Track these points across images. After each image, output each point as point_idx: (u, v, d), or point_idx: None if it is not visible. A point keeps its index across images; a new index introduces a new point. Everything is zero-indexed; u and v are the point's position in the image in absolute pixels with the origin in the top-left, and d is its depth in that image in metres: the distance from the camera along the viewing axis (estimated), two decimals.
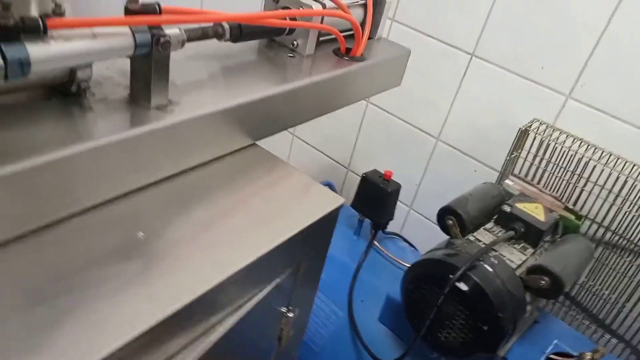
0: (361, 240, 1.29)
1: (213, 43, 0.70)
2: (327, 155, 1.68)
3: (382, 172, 1.25)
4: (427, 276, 0.90)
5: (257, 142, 0.75)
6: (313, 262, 0.72)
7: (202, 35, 0.66)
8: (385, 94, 1.37)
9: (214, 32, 0.69)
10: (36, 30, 0.45)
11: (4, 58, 0.43)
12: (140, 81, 0.59)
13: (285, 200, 0.66)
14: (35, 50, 0.45)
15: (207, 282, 0.51)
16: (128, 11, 0.51)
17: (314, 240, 0.67)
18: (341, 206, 0.68)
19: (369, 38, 0.98)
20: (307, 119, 0.83)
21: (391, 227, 1.38)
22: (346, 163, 1.65)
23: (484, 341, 0.87)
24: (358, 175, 1.62)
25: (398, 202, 1.45)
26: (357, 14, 0.92)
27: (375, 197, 1.23)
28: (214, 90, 0.68)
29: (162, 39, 0.55)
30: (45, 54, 0.46)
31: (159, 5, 0.54)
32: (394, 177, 1.26)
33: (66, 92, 0.57)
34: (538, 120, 1.17)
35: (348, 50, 0.90)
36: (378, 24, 0.98)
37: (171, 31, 0.58)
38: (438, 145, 1.41)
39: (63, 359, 0.40)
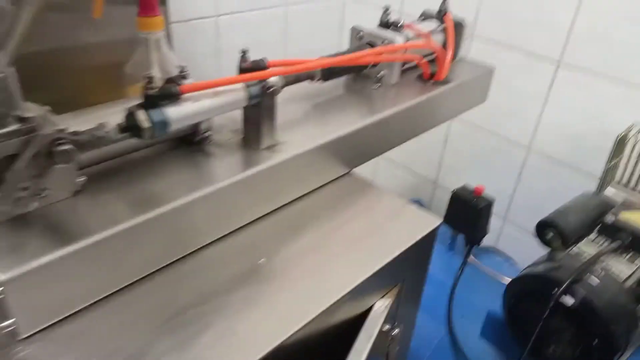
0: (456, 256, 1.29)
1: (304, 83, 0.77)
2: (414, 171, 1.70)
3: (472, 187, 1.25)
4: (530, 291, 0.90)
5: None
6: (414, 280, 0.75)
7: (296, 79, 0.73)
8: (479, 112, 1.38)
9: (307, 75, 0.76)
10: (173, 96, 0.54)
11: (151, 122, 0.52)
12: (252, 126, 0.67)
13: (384, 224, 0.70)
14: (173, 112, 0.54)
15: (321, 303, 0.56)
16: (242, 69, 0.60)
17: (414, 260, 0.71)
18: (438, 227, 0.71)
19: (454, 60, 1.01)
20: (399, 143, 0.88)
21: (486, 239, 1.36)
22: (433, 178, 1.66)
23: (594, 356, 0.85)
24: (447, 189, 1.62)
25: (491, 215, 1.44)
26: (438, 39, 0.95)
27: (467, 214, 1.23)
28: (312, 127, 0.75)
29: (270, 89, 0.62)
30: (180, 115, 0.55)
31: (266, 61, 0.61)
32: (484, 189, 1.26)
33: (190, 141, 0.67)
34: (637, 126, 1.12)
35: (432, 75, 0.93)
36: (459, 47, 1.00)
37: (272, 79, 0.65)
38: (529, 155, 1.38)
39: None
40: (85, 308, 0.52)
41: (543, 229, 0.96)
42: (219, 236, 0.63)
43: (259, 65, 0.60)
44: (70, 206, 0.54)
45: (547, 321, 0.85)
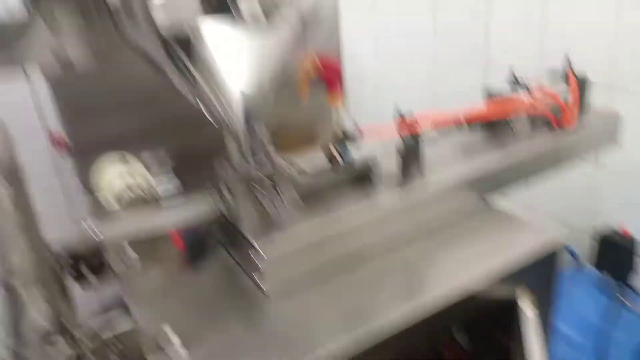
0: (605, 297, 1.33)
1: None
2: (568, 224, 1.74)
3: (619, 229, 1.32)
4: None
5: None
6: (545, 286, 0.90)
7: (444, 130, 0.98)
8: (618, 156, 1.46)
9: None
10: (354, 138, 0.83)
11: (340, 155, 0.82)
12: (404, 163, 0.92)
13: (516, 237, 0.89)
14: (353, 150, 0.83)
15: (470, 281, 0.77)
16: (398, 123, 0.87)
17: (542, 267, 0.87)
18: (563, 244, 0.86)
19: (580, 111, 1.16)
20: (529, 177, 1.05)
21: None
22: (588, 229, 1.69)
23: None
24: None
25: None
26: (564, 93, 1.12)
27: (615, 255, 1.30)
28: (453, 165, 0.98)
29: (417, 137, 0.89)
30: (358, 153, 0.84)
31: (416, 119, 0.88)
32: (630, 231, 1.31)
33: (362, 176, 0.95)
34: None
35: (559, 123, 1.10)
36: (584, 99, 1.15)
37: (420, 131, 0.91)
38: None
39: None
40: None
41: None
42: (378, 238, 0.88)
43: (410, 122, 0.87)
44: (288, 211, 0.85)
45: None
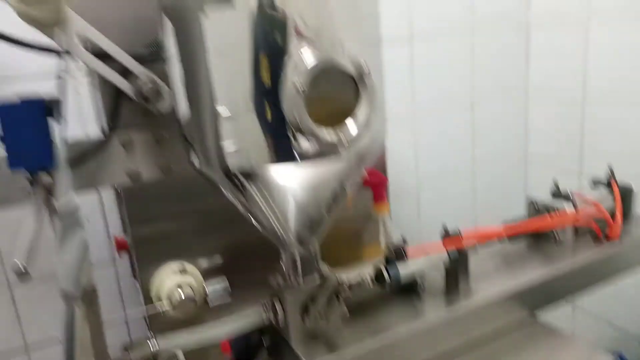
0: None
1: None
2: (616, 325, 1.69)
3: None
4: None
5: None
6: None
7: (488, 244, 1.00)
8: None
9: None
10: (402, 257, 0.86)
11: (389, 274, 0.84)
12: (450, 278, 0.94)
13: (567, 355, 0.87)
14: (401, 268, 0.85)
15: None
16: (444, 240, 0.90)
17: None
18: None
19: (625, 222, 1.16)
20: (575, 293, 1.04)
21: None
22: (638, 333, 1.62)
23: None
24: None
25: None
26: (608, 204, 1.13)
27: None
28: (499, 276, 0.98)
29: (463, 252, 0.90)
30: (405, 269, 0.86)
31: (461, 232, 0.91)
32: None
33: (408, 288, 0.96)
34: None
35: (605, 234, 1.10)
36: (629, 208, 1.16)
37: (465, 245, 0.93)
38: None
39: None
40: None
41: None
42: (427, 353, 0.87)
43: (456, 236, 0.89)
44: (337, 327, 0.86)
45: None
